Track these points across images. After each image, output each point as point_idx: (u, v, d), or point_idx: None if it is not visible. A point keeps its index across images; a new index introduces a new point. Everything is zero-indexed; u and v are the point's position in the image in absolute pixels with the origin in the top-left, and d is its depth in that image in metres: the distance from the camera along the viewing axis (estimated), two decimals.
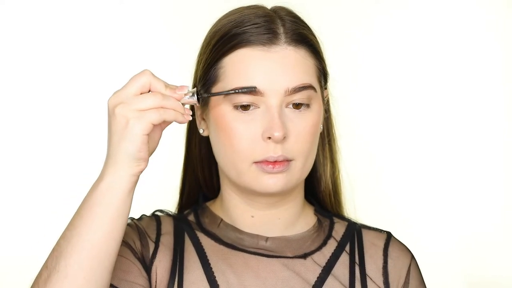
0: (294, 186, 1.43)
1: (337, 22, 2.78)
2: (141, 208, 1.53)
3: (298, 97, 1.40)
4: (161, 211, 1.54)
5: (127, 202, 1.30)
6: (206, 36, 1.46)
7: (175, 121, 1.32)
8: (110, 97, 1.30)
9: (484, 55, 2.84)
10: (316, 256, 1.48)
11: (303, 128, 1.40)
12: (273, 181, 1.39)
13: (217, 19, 1.47)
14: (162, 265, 1.44)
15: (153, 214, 1.52)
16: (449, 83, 2.84)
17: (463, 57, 2.84)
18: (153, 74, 1.31)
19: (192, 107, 1.51)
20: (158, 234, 1.47)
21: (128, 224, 1.46)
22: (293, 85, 1.39)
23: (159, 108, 1.29)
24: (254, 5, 1.46)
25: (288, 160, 1.39)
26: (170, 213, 1.54)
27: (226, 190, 1.48)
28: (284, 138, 1.38)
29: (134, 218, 1.50)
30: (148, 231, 1.46)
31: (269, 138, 1.38)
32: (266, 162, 1.38)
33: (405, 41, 2.82)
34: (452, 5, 2.83)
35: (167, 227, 1.48)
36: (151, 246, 1.45)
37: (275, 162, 1.38)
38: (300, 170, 1.41)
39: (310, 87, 1.41)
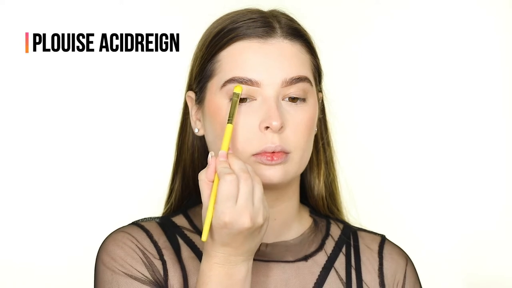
0: (291, 178, 1.43)
1: (337, 22, 2.78)
2: (137, 210, 1.52)
3: (294, 90, 1.40)
4: (141, 220, 1.50)
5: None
6: (202, 36, 1.48)
7: None
8: (239, 221, 1.30)
9: (485, 56, 2.83)
10: (317, 256, 1.48)
11: (300, 120, 1.40)
12: (271, 172, 1.39)
13: (212, 22, 1.48)
14: (175, 280, 1.42)
15: (136, 224, 1.49)
16: (450, 83, 2.83)
17: (464, 58, 2.83)
18: (204, 173, 1.33)
19: (185, 107, 1.51)
20: (157, 248, 1.45)
21: (132, 249, 1.44)
22: (290, 76, 1.40)
23: (255, 180, 1.31)
24: (249, 8, 1.47)
25: (285, 152, 1.39)
26: (149, 219, 1.51)
27: None
28: (282, 128, 1.38)
29: (130, 236, 1.46)
30: (147, 248, 1.44)
31: (267, 128, 1.38)
32: (264, 153, 1.38)
33: (406, 42, 2.82)
34: (453, 6, 2.83)
35: (160, 238, 1.46)
36: (158, 265, 1.43)
37: (273, 153, 1.38)
38: (297, 163, 1.41)
39: (306, 79, 1.41)
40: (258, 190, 1.30)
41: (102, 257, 1.43)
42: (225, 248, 1.31)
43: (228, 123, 1.36)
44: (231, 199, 1.29)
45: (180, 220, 1.50)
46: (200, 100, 1.45)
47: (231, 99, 1.39)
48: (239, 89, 1.37)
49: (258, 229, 1.31)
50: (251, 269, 1.34)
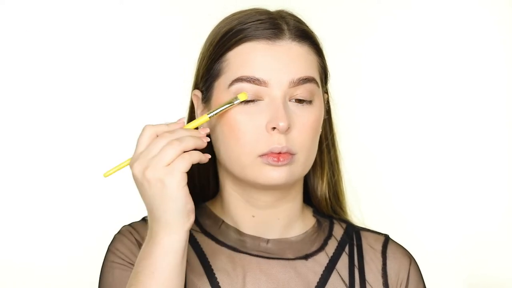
0: (296, 179, 1.44)
1: (341, 23, 2.78)
2: (137, 210, 1.52)
3: (301, 91, 1.41)
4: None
5: (185, 259, 1.33)
6: (209, 35, 1.48)
7: (200, 161, 1.33)
8: (132, 167, 1.31)
9: (488, 57, 2.83)
10: (317, 256, 1.48)
11: (306, 121, 1.41)
12: (277, 173, 1.39)
13: (219, 21, 1.48)
14: None
15: (145, 220, 1.49)
16: (453, 84, 2.83)
17: (467, 59, 2.83)
18: (152, 125, 1.33)
19: (191, 107, 1.51)
20: None
21: (129, 239, 1.45)
22: (298, 76, 1.40)
23: (183, 154, 1.30)
24: (256, 8, 1.47)
25: (291, 154, 1.39)
26: None
27: (227, 190, 1.47)
28: (289, 129, 1.38)
29: (132, 228, 1.47)
30: None
31: (273, 129, 1.38)
32: (271, 154, 1.39)
33: (409, 43, 2.82)
34: (456, 7, 2.83)
35: None
36: None
37: (279, 154, 1.38)
38: (302, 164, 1.42)
39: (313, 80, 1.42)
40: (168, 155, 1.29)
41: (107, 249, 1.46)
42: (147, 209, 1.33)
43: (207, 115, 1.37)
44: (142, 147, 1.32)
45: None
46: (207, 99, 1.45)
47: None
48: (243, 96, 1.38)
49: (147, 184, 1.30)
50: (176, 253, 1.31)
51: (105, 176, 1.35)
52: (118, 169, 1.35)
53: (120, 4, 2.70)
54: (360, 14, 2.80)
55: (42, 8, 2.64)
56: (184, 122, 1.36)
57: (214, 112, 1.38)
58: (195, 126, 1.37)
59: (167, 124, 1.34)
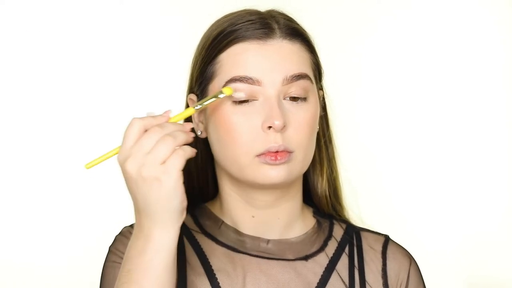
0: (295, 178, 1.44)
1: (341, 23, 2.78)
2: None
3: (295, 89, 1.41)
4: None
5: (176, 256, 1.31)
6: (201, 38, 1.48)
7: (191, 156, 1.31)
8: (125, 164, 1.28)
9: (488, 57, 2.83)
10: (317, 257, 1.48)
11: (302, 118, 1.41)
12: (275, 172, 1.39)
13: (210, 25, 1.48)
14: None
15: None
16: (453, 84, 2.84)
17: (466, 58, 2.84)
18: (140, 118, 1.30)
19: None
20: None
21: (124, 244, 1.44)
22: (291, 73, 1.40)
23: (176, 150, 1.28)
24: (246, 8, 1.48)
25: (288, 152, 1.39)
26: None
27: (226, 191, 1.48)
28: (284, 127, 1.38)
29: (132, 229, 1.48)
30: None
31: (269, 128, 1.38)
32: (268, 153, 1.39)
33: (409, 42, 2.82)
34: (456, 7, 2.83)
35: None
36: None
37: (276, 152, 1.39)
38: (300, 162, 1.42)
39: (306, 76, 1.42)
40: (162, 152, 1.27)
41: (109, 249, 1.47)
42: (135, 206, 1.30)
43: (194, 107, 1.37)
44: (131, 141, 1.28)
45: (185, 218, 1.50)
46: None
47: (234, 101, 1.39)
48: (228, 90, 1.38)
49: (143, 182, 1.27)
50: (169, 250, 1.30)
51: (86, 168, 1.32)
52: (101, 161, 1.32)
53: (120, 4, 2.70)
54: (360, 14, 2.80)
55: (42, 8, 2.64)
56: (169, 116, 1.33)
57: (201, 107, 1.38)
58: (182, 119, 1.36)
59: (154, 117, 1.31)
